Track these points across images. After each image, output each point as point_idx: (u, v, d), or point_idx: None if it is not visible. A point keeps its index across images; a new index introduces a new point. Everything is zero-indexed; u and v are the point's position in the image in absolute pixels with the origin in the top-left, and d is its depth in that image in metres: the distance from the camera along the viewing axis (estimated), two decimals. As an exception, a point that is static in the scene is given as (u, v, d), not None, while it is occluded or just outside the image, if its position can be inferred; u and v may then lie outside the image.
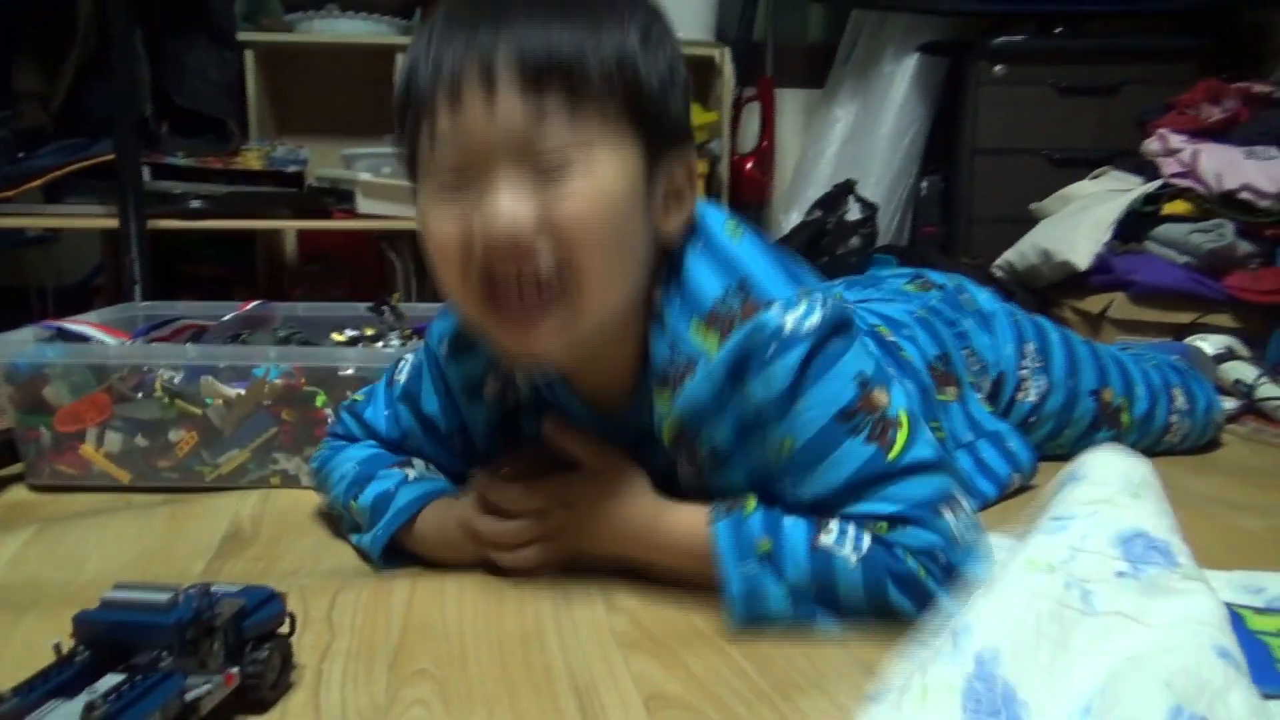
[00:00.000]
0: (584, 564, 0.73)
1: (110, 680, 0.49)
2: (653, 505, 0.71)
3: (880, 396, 0.65)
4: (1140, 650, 0.46)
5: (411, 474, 0.78)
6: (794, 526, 0.65)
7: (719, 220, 0.70)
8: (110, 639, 0.51)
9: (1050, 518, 0.57)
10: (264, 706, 0.54)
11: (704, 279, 0.67)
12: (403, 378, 0.82)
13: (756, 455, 0.68)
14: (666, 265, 0.68)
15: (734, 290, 0.65)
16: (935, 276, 1.07)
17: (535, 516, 0.71)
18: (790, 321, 0.63)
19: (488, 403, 0.77)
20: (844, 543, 0.63)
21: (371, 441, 0.83)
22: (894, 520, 0.63)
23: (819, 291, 0.66)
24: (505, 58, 0.59)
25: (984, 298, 1.04)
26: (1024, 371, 1.00)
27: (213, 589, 0.53)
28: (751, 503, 0.67)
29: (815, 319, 0.64)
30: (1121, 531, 0.54)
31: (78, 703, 0.46)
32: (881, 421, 0.64)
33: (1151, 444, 1.09)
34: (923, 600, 0.62)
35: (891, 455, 0.64)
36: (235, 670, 0.52)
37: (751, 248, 0.68)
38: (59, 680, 0.49)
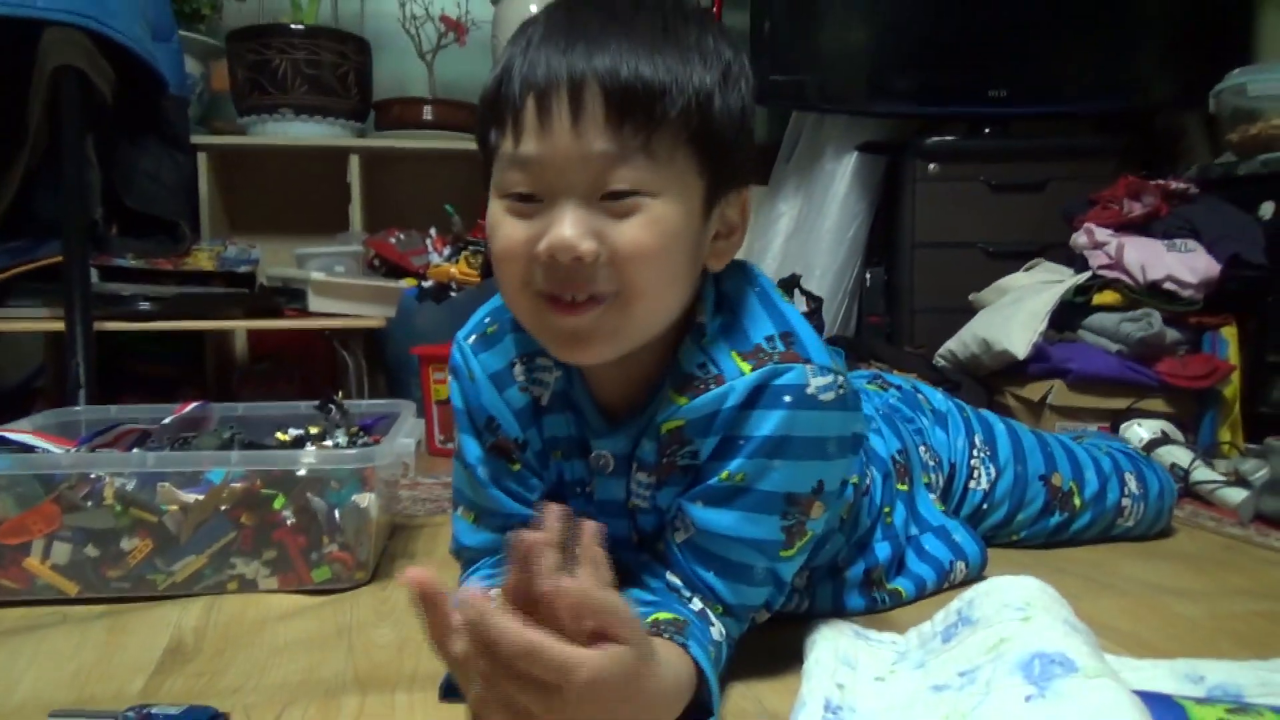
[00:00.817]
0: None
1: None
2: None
3: (818, 510, 0.70)
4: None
5: None
6: (710, 629, 0.68)
7: (768, 280, 0.76)
8: (44, 769, 0.49)
9: (957, 674, 0.59)
10: (204, 835, 0.52)
11: (756, 320, 0.72)
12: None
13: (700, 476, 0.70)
14: (716, 292, 0.73)
15: (779, 337, 0.70)
16: (892, 378, 1.13)
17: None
18: (814, 385, 0.68)
19: (518, 388, 0.77)
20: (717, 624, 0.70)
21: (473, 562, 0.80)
22: (729, 609, 0.70)
23: (847, 378, 0.71)
24: (594, 83, 0.61)
25: (937, 399, 1.10)
26: (974, 461, 1.06)
27: (152, 712, 0.52)
28: (674, 616, 0.66)
29: (830, 395, 0.68)
30: (1020, 659, 0.56)
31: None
32: (800, 526, 0.69)
33: (1106, 527, 1.11)
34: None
35: (781, 554, 0.70)
36: (175, 798, 0.51)
37: (800, 316, 0.73)
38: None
